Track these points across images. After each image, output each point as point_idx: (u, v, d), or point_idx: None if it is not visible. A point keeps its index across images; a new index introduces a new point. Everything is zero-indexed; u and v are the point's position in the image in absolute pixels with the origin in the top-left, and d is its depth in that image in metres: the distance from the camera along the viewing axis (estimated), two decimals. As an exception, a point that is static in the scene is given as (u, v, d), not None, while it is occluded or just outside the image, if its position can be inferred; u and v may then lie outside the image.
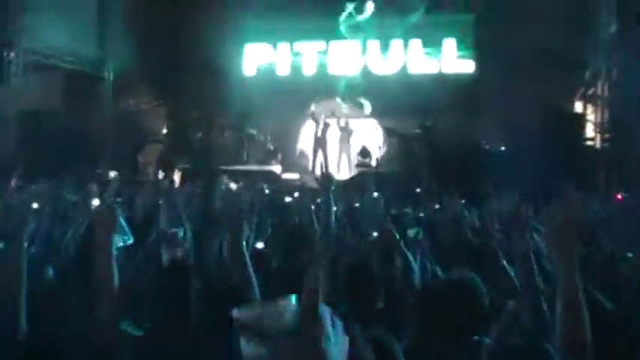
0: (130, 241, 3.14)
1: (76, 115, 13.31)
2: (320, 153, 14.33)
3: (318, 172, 13.75)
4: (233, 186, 8.68)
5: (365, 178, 10.38)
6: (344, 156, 15.10)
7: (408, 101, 13.72)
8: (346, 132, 15.38)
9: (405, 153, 13.61)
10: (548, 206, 2.02)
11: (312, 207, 4.84)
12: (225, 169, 11.93)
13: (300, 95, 14.78)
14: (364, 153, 14.42)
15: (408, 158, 13.34)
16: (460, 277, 2.35)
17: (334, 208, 4.17)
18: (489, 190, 7.82)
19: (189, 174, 11.86)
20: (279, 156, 14.69)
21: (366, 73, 15.36)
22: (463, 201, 6.24)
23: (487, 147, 13.39)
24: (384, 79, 14.98)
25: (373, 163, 14.30)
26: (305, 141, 15.51)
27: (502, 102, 13.23)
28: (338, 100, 15.40)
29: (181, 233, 3.68)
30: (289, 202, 6.70)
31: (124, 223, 2.94)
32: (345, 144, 15.22)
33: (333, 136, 14.92)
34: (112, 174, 6.46)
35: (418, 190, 9.01)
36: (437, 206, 6.74)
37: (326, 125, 14.54)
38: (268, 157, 14.61)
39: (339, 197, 6.76)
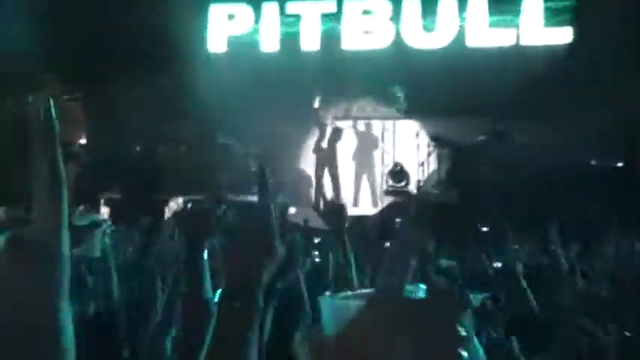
0: None
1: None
2: (327, 174, 14.34)
3: (324, 203, 13.73)
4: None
5: (399, 212, 10.35)
6: (365, 178, 15.11)
7: (467, 92, 13.72)
8: (369, 141, 15.38)
9: (463, 173, 13.59)
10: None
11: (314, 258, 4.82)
12: (189, 199, 11.91)
13: (297, 84, 14.85)
14: (398, 174, 14.40)
15: (469, 181, 13.31)
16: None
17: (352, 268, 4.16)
18: (607, 231, 7.80)
19: (124, 208, 11.86)
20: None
21: (399, 48, 15.45)
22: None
23: (594, 163, 13.35)
24: (429, 58, 15.02)
25: (412, 188, 14.26)
26: (306, 156, 15.55)
27: (618, 92, 13.20)
28: (356, 91, 15.45)
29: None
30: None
31: None
32: (366, 160, 15.23)
33: (348, 149, 14.92)
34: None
35: (485, 229, 8.98)
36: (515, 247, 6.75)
37: (336, 131, 14.57)
38: (251, 180, 14.60)
39: (360, 245, 6.72)
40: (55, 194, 1.67)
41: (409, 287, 1.45)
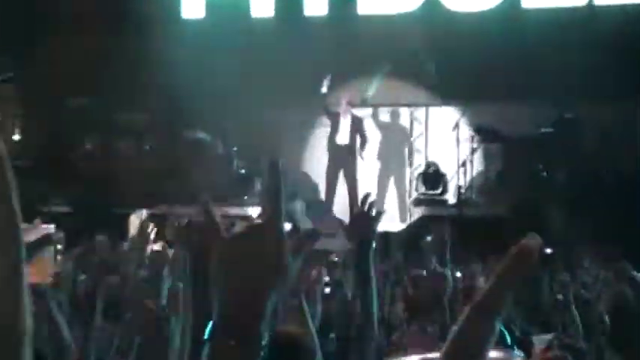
0: None
1: None
2: (342, 177, 14.37)
3: (336, 216, 13.70)
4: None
5: (433, 228, 10.30)
6: (391, 182, 15.20)
7: (524, 69, 13.70)
8: (394, 135, 15.40)
9: (519, 175, 13.56)
10: None
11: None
12: (154, 214, 11.95)
13: (299, 61, 14.85)
14: (432, 177, 14.38)
15: (526, 186, 13.30)
16: None
17: (374, 304, 4.15)
18: None
19: (75, 224, 11.83)
20: (259, 186, 14.68)
21: (433, 10, 15.43)
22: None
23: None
24: (472, 24, 15.00)
25: (449, 196, 14.31)
26: (313, 155, 15.63)
27: None
28: (376, 69, 15.44)
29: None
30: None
31: None
32: (391, 159, 15.29)
33: (368, 145, 14.91)
34: None
35: (548, 250, 8.96)
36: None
37: (354, 122, 14.60)
38: (236, 187, 14.61)
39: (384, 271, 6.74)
40: (8, 244, 1.57)
41: (496, 355, 1.38)
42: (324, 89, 14.46)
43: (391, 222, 14.08)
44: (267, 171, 1.60)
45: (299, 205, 14.29)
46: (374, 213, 3.91)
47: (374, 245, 3.95)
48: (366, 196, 4.03)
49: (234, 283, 1.56)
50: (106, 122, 15.25)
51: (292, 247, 1.59)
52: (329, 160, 14.69)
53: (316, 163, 15.34)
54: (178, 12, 16.24)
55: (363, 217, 3.89)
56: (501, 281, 1.43)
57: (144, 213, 11.86)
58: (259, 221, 1.60)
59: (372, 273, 3.94)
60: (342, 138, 14.50)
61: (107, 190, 14.18)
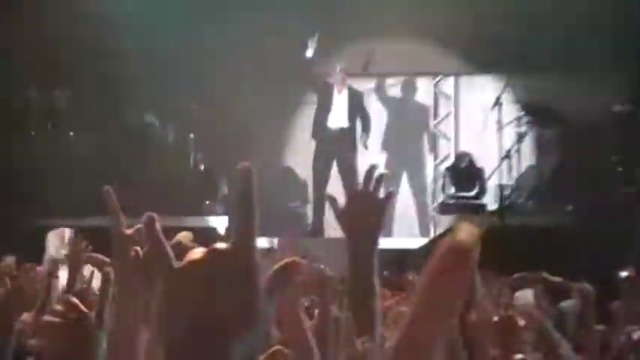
0: None
1: None
2: (336, 172, 14.25)
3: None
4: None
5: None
6: (405, 180, 15.27)
7: (587, 26, 13.74)
8: (410, 116, 15.46)
9: (581, 172, 13.59)
10: None
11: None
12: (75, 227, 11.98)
13: (275, 13, 14.86)
14: (464, 174, 14.39)
15: (593, 187, 13.31)
16: None
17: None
18: None
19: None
20: (225, 188, 14.70)
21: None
22: None
23: None
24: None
25: (488, 200, 14.37)
26: (297, 144, 15.67)
27: None
28: (381, 24, 15.43)
29: None
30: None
31: None
32: (407, 149, 15.39)
33: (371, 127, 14.91)
34: None
35: (625, 274, 8.99)
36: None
37: (353, 97, 14.56)
38: (193, 189, 14.63)
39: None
40: None
41: None
42: (309, 52, 14.40)
43: (408, 237, 14.09)
44: (238, 176, 1.47)
45: None
46: (382, 194, 3.67)
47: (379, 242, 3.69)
48: (372, 169, 3.78)
49: (185, 329, 1.47)
50: (15, 102, 15.23)
51: (268, 282, 1.49)
52: (317, 150, 14.60)
53: (302, 153, 15.34)
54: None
55: (367, 198, 3.65)
56: (428, 306, 1.39)
57: (67, 230, 11.86)
58: (223, 245, 1.49)
59: (377, 288, 3.72)
60: (337, 119, 14.44)
61: (17, 195, 14.14)
